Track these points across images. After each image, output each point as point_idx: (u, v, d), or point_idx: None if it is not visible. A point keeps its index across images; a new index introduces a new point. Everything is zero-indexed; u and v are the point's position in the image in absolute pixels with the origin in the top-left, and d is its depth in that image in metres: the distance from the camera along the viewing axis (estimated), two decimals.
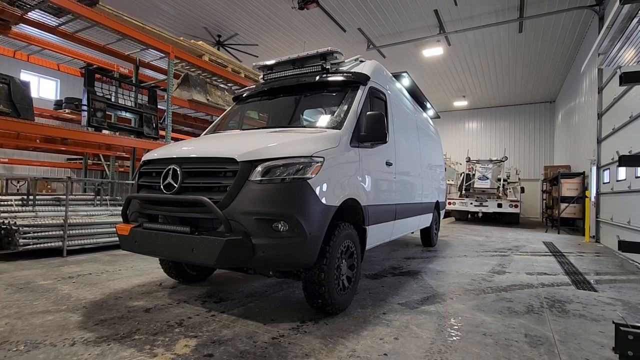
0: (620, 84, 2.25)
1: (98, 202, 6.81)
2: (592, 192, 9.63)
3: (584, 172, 11.08)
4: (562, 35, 11.20)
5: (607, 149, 8.47)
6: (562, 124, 16.14)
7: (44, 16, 6.19)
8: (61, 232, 5.23)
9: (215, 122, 4.60)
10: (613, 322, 2.17)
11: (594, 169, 9.58)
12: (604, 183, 8.76)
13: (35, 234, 5.01)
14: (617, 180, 7.53)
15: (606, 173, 8.60)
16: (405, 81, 6.05)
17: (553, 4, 9.40)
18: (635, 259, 6.26)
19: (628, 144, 6.84)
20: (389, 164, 4.20)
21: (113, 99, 7.49)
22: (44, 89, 14.56)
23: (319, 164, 2.86)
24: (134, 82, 8.31)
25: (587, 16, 9.99)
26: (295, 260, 2.70)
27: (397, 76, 5.70)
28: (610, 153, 8.05)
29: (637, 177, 6.37)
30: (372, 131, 3.44)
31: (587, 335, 2.85)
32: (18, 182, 10.39)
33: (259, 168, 2.70)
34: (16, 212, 5.30)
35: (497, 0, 9.39)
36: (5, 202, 5.54)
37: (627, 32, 3.47)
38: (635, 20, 3.30)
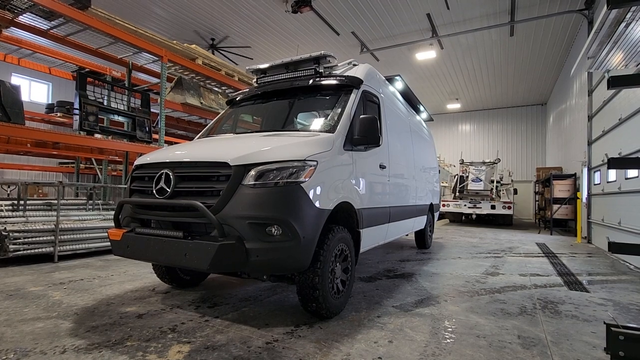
0: (608, 88, 2.29)
1: (90, 207, 6.74)
2: (584, 193, 9.75)
3: (575, 173, 11.22)
4: (553, 39, 11.35)
5: (598, 151, 8.59)
6: (553, 126, 16.34)
7: (35, 19, 6.13)
8: (52, 238, 5.17)
9: (208, 125, 4.58)
10: (604, 323, 2.19)
11: (585, 170, 9.70)
12: (595, 184, 8.87)
13: (26, 240, 4.94)
14: (608, 182, 7.64)
15: (597, 174, 8.71)
16: (399, 84, 6.09)
17: (543, 8, 9.54)
18: (626, 259, 6.34)
19: (618, 145, 6.94)
20: (382, 166, 4.21)
21: (105, 103, 7.43)
22: (35, 92, 14.38)
23: (313, 167, 2.86)
24: (126, 85, 8.26)
25: (576, 20, 10.15)
26: (289, 264, 2.70)
27: (390, 79, 5.74)
28: (601, 155, 8.16)
29: (626, 179, 6.46)
30: (365, 134, 3.46)
31: (579, 336, 2.88)
32: (8, 187, 10.24)
33: (252, 172, 2.70)
34: (6, 217, 5.22)
35: (489, 4, 9.50)
36: None
37: (614, 37, 3.53)
38: (623, 24, 3.36)
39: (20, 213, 5.47)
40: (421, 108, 7.44)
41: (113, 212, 3.39)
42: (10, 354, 2.33)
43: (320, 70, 4.08)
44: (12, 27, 6.29)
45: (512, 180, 15.28)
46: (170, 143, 9.22)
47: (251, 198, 2.64)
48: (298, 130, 3.79)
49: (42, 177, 14.13)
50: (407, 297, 3.84)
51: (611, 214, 7.31)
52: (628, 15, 3.16)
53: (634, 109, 6.08)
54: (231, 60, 12.57)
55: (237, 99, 4.62)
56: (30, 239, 4.97)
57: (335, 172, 3.19)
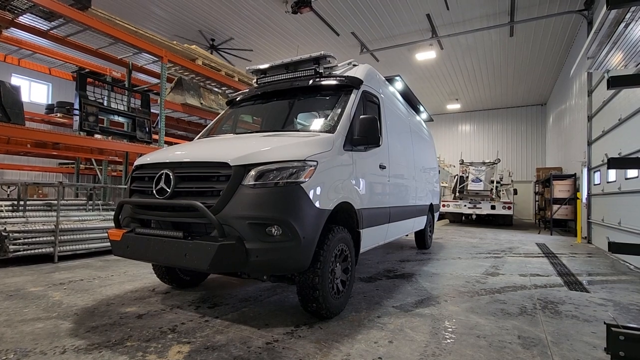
0: (608, 88, 2.29)
1: (90, 207, 6.74)
2: (584, 193, 9.75)
3: (575, 173, 11.22)
4: (552, 39, 11.36)
5: (598, 151, 8.59)
6: (553, 126, 16.34)
7: (35, 20, 6.14)
8: (52, 238, 5.17)
9: (208, 126, 4.59)
10: (605, 323, 2.19)
11: (585, 170, 9.70)
12: (594, 184, 8.87)
13: (26, 240, 4.94)
14: (608, 182, 7.64)
15: (597, 175, 8.71)
16: (399, 84, 6.10)
17: (543, 8, 9.54)
18: (626, 259, 6.34)
19: (617, 146, 6.94)
20: (382, 167, 4.21)
21: (105, 103, 7.43)
22: (35, 93, 14.40)
23: (313, 167, 2.86)
24: (126, 86, 8.26)
25: (576, 20, 10.15)
26: (289, 264, 2.70)
27: (390, 80, 5.74)
28: (601, 155, 8.16)
29: (626, 179, 6.46)
30: (365, 135, 3.46)
31: (580, 336, 2.88)
32: (8, 188, 10.25)
33: (252, 172, 2.70)
34: (6, 217, 5.22)
35: (488, 5, 9.51)
36: None
37: (614, 37, 3.53)
38: (622, 25, 3.36)
39: (20, 213, 5.47)
40: (421, 108, 7.44)
41: (113, 213, 3.39)
42: (11, 354, 2.33)
43: (320, 71, 4.08)
44: (12, 28, 6.30)
45: (512, 181, 15.28)
46: (170, 143, 9.22)
47: (251, 198, 2.64)
48: (298, 131, 3.80)
49: (42, 177, 14.15)
50: (407, 298, 3.84)
51: (611, 214, 7.31)
52: (627, 16, 3.17)
53: (633, 109, 6.08)
54: (230, 62, 12.57)
55: (237, 100, 4.62)
56: (30, 240, 4.97)
57: (335, 172, 3.19)
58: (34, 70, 9.80)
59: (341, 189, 3.22)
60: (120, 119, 7.39)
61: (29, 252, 4.95)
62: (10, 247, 4.77)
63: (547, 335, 2.86)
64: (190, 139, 9.34)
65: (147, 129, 7.38)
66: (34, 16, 5.98)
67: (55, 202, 5.60)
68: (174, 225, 2.92)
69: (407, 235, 6.52)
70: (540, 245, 8.38)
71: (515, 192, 14.78)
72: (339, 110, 3.67)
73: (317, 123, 3.85)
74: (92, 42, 7.20)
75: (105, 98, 7.69)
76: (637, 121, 6.00)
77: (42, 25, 6.32)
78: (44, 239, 5.11)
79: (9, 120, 5.37)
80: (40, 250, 5.06)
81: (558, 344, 2.70)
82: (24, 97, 9.94)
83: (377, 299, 3.75)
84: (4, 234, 4.77)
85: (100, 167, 9.88)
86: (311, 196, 2.79)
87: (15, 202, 5.64)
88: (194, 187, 2.83)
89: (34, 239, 5.00)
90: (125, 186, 3.85)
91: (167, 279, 3.88)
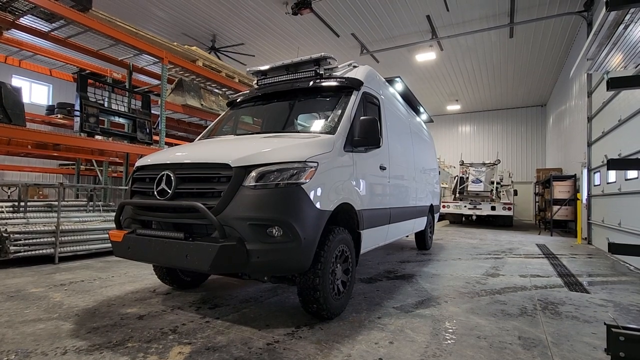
0: (608, 89, 2.30)
1: (91, 208, 6.75)
2: (584, 194, 9.75)
3: (575, 174, 11.23)
4: (552, 40, 11.39)
5: (597, 152, 8.60)
6: (553, 127, 16.35)
7: (36, 21, 6.16)
8: (53, 239, 5.17)
9: (209, 127, 4.60)
10: (605, 324, 2.20)
11: (585, 171, 9.70)
12: (595, 185, 8.87)
13: (27, 241, 4.95)
14: (608, 183, 7.64)
15: (597, 175, 8.72)
16: (399, 86, 6.11)
17: (542, 9, 9.57)
18: (626, 260, 6.34)
19: (617, 147, 6.95)
20: (382, 168, 4.22)
21: (106, 104, 7.45)
22: (36, 94, 14.41)
23: (313, 168, 2.87)
24: (127, 87, 8.27)
25: (575, 22, 10.18)
26: (289, 265, 2.70)
27: (390, 81, 5.76)
28: (601, 156, 8.17)
29: (626, 180, 6.47)
30: (365, 136, 3.47)
31: (580, 337, 2.88)
32: (9, 189, 10.25)
33: (253, 173, 2.71)
34: (7, 218, 5.23)
35: (488, 6, 9.53)
36: None
37: (613, 38, 3.54)
38: (622, 26, 3.37)
39: (21, 214, 5.48)
40: (421, 109, 7.46)
41: (113, 214, 3.40)
42: (12, 355, 2.34)
43: (320, 72, 4.09)
44: (13, 29, 6.32)
45: (512, 182, 15.29)
46: (170, 144, 9.23)
47: (252, 199, 2.64)
48: (298, 132, 3.80)
49: (42, 178, 14.15)
50: (407, 298, 3.84)
51: (611, 215, 7.31)
52: (627, 17, 3.18)
53: (633, 110, 6.09)
54: (238, 55, 12.59)
55: (237, 101, 4.63)
56: (30, 241, 4.98)
57: (336, 173, 3.19)
58: (35, 72, 9.81)
59: (342, 190, 3.23)
60: (121, 120, 7.40)
61: (29, 253, 4.96)
62: (11, 248, 4.78)
63: (547, 336, 2.87)
64: (191, 140, 9.34)
65: (147, 130, 7.39)
66: (35, 18, 6.00)
67: (56, 203, 5.61)
68: (175, 226, 2.92)
69: (407, 236, 6.52)
70: (541, 246, 8.39)
71: (516, 193, 14.79)
72: (339, 111, 3.68)
73: (318, 124, 3.86)
74: (92, 43, 7.22)
75: (106, 99, 7.70)
76: (636, 122, 6.01)
77: (43, 26, 6.34)
78: (45, 240, 5.12)
79: (10, 122, 5.38)
80: (40, 251, 5.06)
81: (558, 345, 2.70)
82: (25, 99, 9.96)
83: (377, 300, 3.75)
84: (4, 235, 4.78)
85: (101, 168, 9.88)
86: (312, 197, 2.79)
87: (16, 203, 5.64)
88: (195, 188, 2.84)
89: (34, 240, 5.01)
90: (126, 187, 3.86)
91: (167, 280, 3.88)
